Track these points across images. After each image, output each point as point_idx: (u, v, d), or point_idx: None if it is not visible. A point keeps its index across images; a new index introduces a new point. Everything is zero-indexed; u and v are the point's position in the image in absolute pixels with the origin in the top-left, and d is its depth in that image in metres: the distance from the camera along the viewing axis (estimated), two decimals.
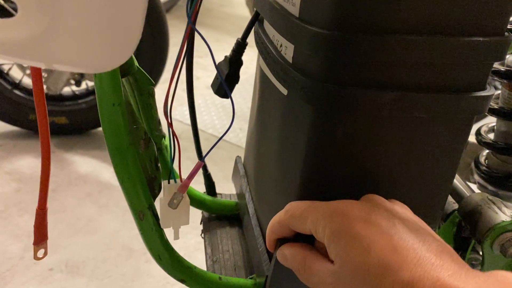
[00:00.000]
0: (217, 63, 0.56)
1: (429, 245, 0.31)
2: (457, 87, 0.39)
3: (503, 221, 0.48)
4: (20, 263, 1.19)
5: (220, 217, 0.68)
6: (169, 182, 0.39)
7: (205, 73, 2.70)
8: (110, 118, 0.41)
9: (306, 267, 0.35)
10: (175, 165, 0.48)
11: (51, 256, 1.22)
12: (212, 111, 2.31)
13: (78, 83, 1.70)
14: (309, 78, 0.38)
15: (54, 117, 1.75)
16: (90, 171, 1.58)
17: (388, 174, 0.42)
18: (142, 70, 0.53)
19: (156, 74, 1.75)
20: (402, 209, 0.37)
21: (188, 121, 2.16)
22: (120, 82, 0.42)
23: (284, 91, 0.43)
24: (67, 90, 1.78)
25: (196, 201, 0.66)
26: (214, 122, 2.20)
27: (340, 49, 0.36)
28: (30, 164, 1.62)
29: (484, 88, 0.40)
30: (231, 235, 0.64)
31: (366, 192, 0.42)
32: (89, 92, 1.79)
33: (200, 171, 0.70)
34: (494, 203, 0.51)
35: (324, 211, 0.34)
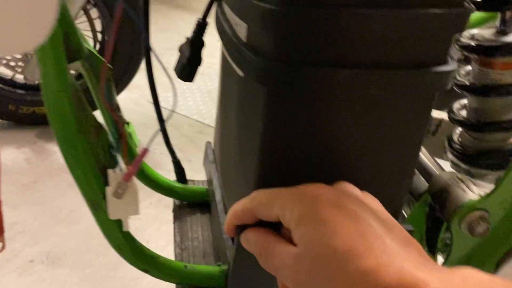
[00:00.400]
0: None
1: (396, 236, 0.30)
2: (415, 63, 0.37)
3: (471, 199, 0.47)
4: None
5: (191, 204, 0.67)
6: (114, 171, 0.37)
7: None
8: (56, 105, 0.39)
9: (268, 250, 0.33)
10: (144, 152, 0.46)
11: (32, 247, 1.21)
12: (197, 96, 2.28)
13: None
14: (261, 57, 0.36)
15: (34, 107, 1.72)
16: None
17: (349, 154, 0.41)
18: (98, 55, 0.50)
19: (136, 60, 1.72)
20: (372, 201, 0.36)
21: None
22: (66, 68, 0.40)
23: (241, 73, 0.42)
24: None
25: (165, 189, 0.64)
26: (199, 107, 2.17)
27: (290, 25, 0.34)
28: (11, 155, 1.59)
29: (445, 62, 0.38)
30: (201, 222, 0.63)
31: (327, 174, 0.41)
32: None
33: (156, 153, 0.68)
34: (462, 182, 0.50)
35: (293, 194, 0.33)
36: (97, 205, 0.43)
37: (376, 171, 0.42)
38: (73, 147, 0.41)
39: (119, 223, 0.44)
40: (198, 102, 2.22)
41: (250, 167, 0.42)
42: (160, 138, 0.64)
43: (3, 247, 0.49)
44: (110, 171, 0.38)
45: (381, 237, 0.29)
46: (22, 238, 1.24)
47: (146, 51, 0.53)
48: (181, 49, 0.56)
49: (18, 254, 1.19)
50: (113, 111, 0.34)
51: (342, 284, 0.28)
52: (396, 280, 0.26)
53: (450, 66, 0.39)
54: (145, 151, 0.34)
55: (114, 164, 0.39)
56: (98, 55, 0.48)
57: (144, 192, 1.47)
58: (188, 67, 0.55)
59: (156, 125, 0.62)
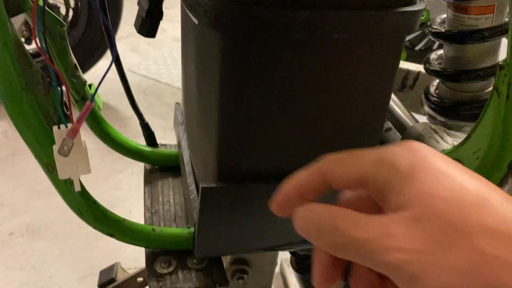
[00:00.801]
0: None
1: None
2: (380, 2, 0.35)
3: (444, 150, 0.45)
4: None
5: (163, 168, 0.65)
6: (59, 128, 0.35)
7: (171, 25, 2.58)
8: None
9: (352, 223, 0.25)
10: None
11: (11, 220, 1.19)
12: (180, 64, 2.23)
13: (28, 41, 1.60)
14: (214, 0, 0.33)
15: None
16: None
17: (314, 103, 0.39)
18: (49, 10, 0.47)
19: (112, 28, 1.66)
20: None
21: (154, 76, 2.09)
22: (6, 19, 0.37)
23: (195, 20, 0.39)
24: None
25: (133, 153, 0.62)
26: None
27: None
28: None
29: (412, 3, 0.36)
30: (173, 186, 0.61)
31: (291, 125, 0.39)
32: None
33: (137, 122, 0.66)
34: (436, 132, 0.48)
35: (382, 151, 0.27)
36: (52, 168, 0.40)
37: (344, 121, 0.40)
38: (19, 106, 0.38)
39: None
40: (180, 70, 2.16)
41: (210, 120, 0.40)
42: (144, 107, 0.61)
43: None
44: (54, 128, 0.35)
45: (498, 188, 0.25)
46: (1, 212, 1.22)
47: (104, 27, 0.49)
48: (139, 2, 0.53)
49: None
50: (51, 61, 0.32)
51: (486, 240, 0.23)
52: None
53: (418, 5, 0.36)
54: (89, 105, 0.32)
55: (63, 121, 0.36)
56: (52, 12, 0.45)
57: (125, 162, 1.44)
58: (147, 21, 0.52)
59: (136, 93, 0.60)
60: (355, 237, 0.24)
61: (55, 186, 0.43)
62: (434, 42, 2.22)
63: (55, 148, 0.34)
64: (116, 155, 0.63)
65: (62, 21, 0.49)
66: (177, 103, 0.65)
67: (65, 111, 0.40)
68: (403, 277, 0.24)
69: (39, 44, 0.30)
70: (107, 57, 1.78)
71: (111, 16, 1.64)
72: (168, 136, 1.59)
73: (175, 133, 0.64)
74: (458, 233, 0.23)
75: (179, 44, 0.52)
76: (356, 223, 0.25)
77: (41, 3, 0.37)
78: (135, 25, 0.54)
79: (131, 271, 0.85)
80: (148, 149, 0.63)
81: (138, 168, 1.38)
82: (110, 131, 0.60)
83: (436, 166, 0.25)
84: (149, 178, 0.62)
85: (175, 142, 0.67)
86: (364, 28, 0.35)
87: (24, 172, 1.33)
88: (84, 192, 0.44)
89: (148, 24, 0.52)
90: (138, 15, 0.53)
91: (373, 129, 0.42)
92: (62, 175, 0.35)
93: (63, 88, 0.40)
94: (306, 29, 0.34)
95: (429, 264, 0.23)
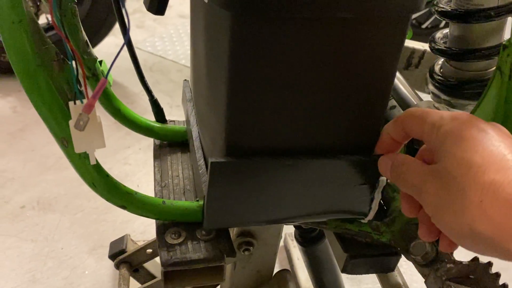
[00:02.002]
0: None
1: None
2: None
3: None
4: None
5: (172, 144, 0.66)
6: (75, 103, 0.36)
7: (177, 1, 2.57)
8: (12, 38, 0.38)
9: (409, 168, 0.37)
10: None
11: (22, 194, 1.22)
12: (185, 40, 2.22)
13: (35, 16, 1.60)
14: None
15: None
16: None
17: (320, 79, 0.40)
18: None
19: None
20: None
21: (160, 53, 2.09)
22: None
23: None
24: None
25: (143, 129, 0.63)
26: (187, 52, 2.12)
27: None
28: None
29: None
30: (182, 161, 0.63)
31: (298, 101, 0.40)
32: (51, 27, 1.70)
33: (144, 98, 0.67)
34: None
35: (445, 114, 0.36)
36: (67, 142, 0.42)
37: (350, 98, 0.41)
38: (34, 83, 0.39)
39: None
40: (186, 47, 2.16)
41: (219, 98, 0.41)
42: (150, 84, 0.62)
43: None
44: (71, 103, 0.37)
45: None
46: (12, 185, 1.25)
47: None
48: None
49: (9, 201, 1.20)
50: (67, 39, 0.33)
51: (473, 193, 0.31)
52: None
53: None
54: (103, 81, 0.33)
55: (78, 97, 0.38)
56: None
57: (132, 137, 1.45)
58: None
59: (142, 70, 0.60)
60: (407, 177, 0.37)
61: (69, 160, 0.45)
62: (441, 20, 2.20)
63: (71, 123, 0.35)
64: (124, 131, 0.65)
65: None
66: (185, 80, 0.66)
67: (79, 87, 0.42)
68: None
69: (55, 22, 0.31)
70: (113, 33, 1.78)
71: None
72: (174, 113, 1.61)
73: (184, 109, 0.65)
74: (461, 186, 0.32)
75: (185, 20, 0.52)
76: (412, 169, 0.37)
77: None
78: (144, 3, 0.54)
79: (140, 243, 0.88)
80: (157, 125, 0.65)
81: (145, 144, 1.40)
82: (120, 107, 0.61)
83: (472, 134, 0.33)
84: (159, 153, 0.64)
85: (181, 118, 0.68)
86: (368, 7, 0.36)
87: (33, 147, 1.36)
88: (97, 165, 0.45)
89: (157, 1, 0.53)
90: None
91: (377, 107, 0.43)
92: (78, 149, 0.37)
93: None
94: (311, 8, 0.34)
95: (436, 207, 0.34)
